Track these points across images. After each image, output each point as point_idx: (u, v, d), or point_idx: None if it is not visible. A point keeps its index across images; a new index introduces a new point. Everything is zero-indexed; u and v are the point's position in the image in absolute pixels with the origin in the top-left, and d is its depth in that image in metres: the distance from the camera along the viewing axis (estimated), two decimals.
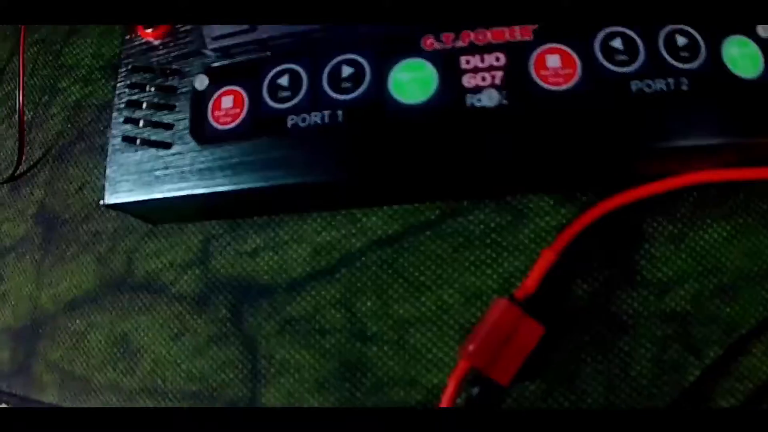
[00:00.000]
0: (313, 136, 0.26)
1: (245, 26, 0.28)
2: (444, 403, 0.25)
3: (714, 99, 0.24)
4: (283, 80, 0.27)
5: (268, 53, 0.28)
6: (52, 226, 0.36)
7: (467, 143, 0.25)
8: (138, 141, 0.29)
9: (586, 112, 0.25)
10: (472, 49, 0.26)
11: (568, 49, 0.26)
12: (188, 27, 0.30)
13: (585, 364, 0.26)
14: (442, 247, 0.29)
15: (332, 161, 0.26)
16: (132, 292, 0.33)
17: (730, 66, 0.25)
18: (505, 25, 0.27)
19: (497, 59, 0.26)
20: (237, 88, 0.28)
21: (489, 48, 0.26)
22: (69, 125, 0.38)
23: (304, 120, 0.27)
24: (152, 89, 0.30)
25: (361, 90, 0.27)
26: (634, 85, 0.25)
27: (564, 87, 0.25)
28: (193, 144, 0.28)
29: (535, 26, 0.26)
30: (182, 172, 0.28)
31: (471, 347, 0.25)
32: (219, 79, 0.28)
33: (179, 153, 0.28)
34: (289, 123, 0.27)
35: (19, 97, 0.36)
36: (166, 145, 0.28)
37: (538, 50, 0.26)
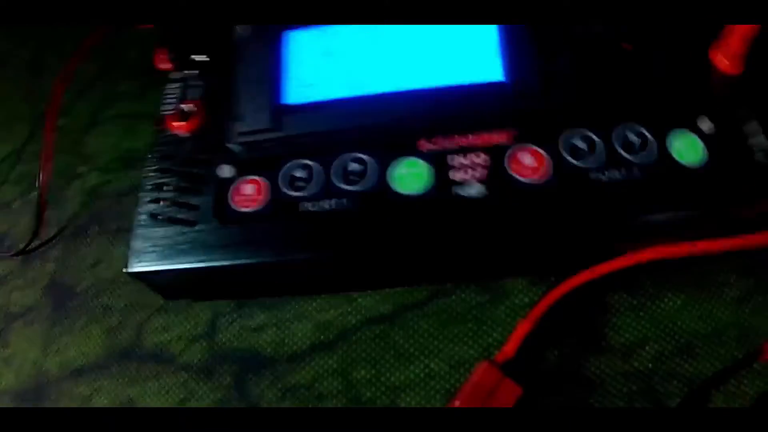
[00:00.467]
0: (323, 219, 0.33)
1: (269, 126, 0.35)
2: None
3: (662, 184, 0.32)
4: (299, 172, 0.35)
5: (287, 150, 0.35)
6: (62, 298, 0.41)
7: (454, 227, 0.32)
8: (163, 218, 0.35)
9: (554, 200, 0.32)
10: (459, 150, 0.34)
11: (539, 149, 0.33)
12: (217, 124, 0.36)
13: None
14: (429, 323, 0.36)
15: (339, 241, 0.33)
16: (139, 361, 0.38)
17: (676, 156, 0.32)
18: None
19: (480, 158, 0.33)
20: (258, 177, 0.35)
21: (473, 149, 0.34)
22: (85, 209, 0.44)
23: (315, 206, 0.33)
24: (179, 175, 0.36)
25: (365, 182, 0.34)
26: (594, 175, 0.32)
27: (536, 179, 0.32)
28: (215, 223, 0.34)
29: (514, 132, 0.34)
30: (204, 247, 0.34)
31: (456, 403, 0.30)
32: (242, 169, 0.35)
33: (202, 230, 0.34)
34: (302, 208, 0.34)
35: (41, 175, 0.42)
36: (191, 223, 0.35)
37: (515, 150, 0.33)
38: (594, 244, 0.34)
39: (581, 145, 0.33)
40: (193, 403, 0.36)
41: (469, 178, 0.33)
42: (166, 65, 0.40)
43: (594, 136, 0.33)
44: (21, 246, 0.43)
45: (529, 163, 0.33)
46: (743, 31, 0.33)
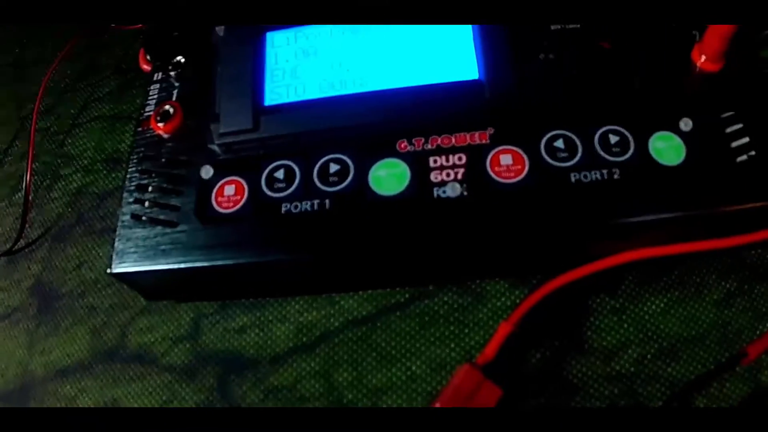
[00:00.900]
0: (304, 220, 0.34)
1: (249, 126, 0.36)
2: None
3: (642, 184, 0.33)
4: (279, 173, 0.35)
5: (267, 151, 0.36)
6: (47, 298, 0.42)
7: (434, 228, 0.33)
8: (146, 219, 0.36)
9: (533, 201, 0.33)
10: (439, 151, 0.35)
11: (518, 150, 0.34)
12: (197, 125, 0.37)
13: None
14: (410, 325, 0.36)
15: (320, 242, 0.34)
16: (123, 362, 0.39)
17: (656, 157, 0.33)
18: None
19: (459, 158, 0.34)
20: (238, 178, 0.36)
21: (453, 150, 0.35)
22: (69, 209, 0.45)
23: (296, 207, 0.34)
24: (161, 176, 0.37)
25: (345, 183, 0.35)
26: (573, 176, 0.33)
27: (515, 180, 0.33)
28: (197, 224, 0.35)
29: (491, 131, 0.35)
30: (186, 247, 0.35)
31: (437, 405, 0.31)
32: (223, 170, 0.36)
33: (184, 231, 0.35)
34: (283, 209, 0.34)
35: (26, 176, 0.43)
36: (173, 224, 0.35)
37: (494, 151, 0.34)
38: (574, 246, 0.34)
39: (560, 145, 0.34)
40: (176, 405, 0.37)
41: (449, 178, 0.34)
42: (146, 66, 0.41)
43: (573, 137, 0.34)
44: (6, 247, 0.44)
45: (508, 164, 0.34)
46: (723, 28, 0.33)
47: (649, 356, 0.34)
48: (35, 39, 0.57)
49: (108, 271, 0.36)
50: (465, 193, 0.33)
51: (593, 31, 0.36)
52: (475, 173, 0.34)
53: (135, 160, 0.38)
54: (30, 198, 0.45)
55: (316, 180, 0.35)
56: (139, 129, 0.39)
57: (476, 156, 0.34)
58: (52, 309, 0.42)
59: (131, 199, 0.37)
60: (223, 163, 0.36)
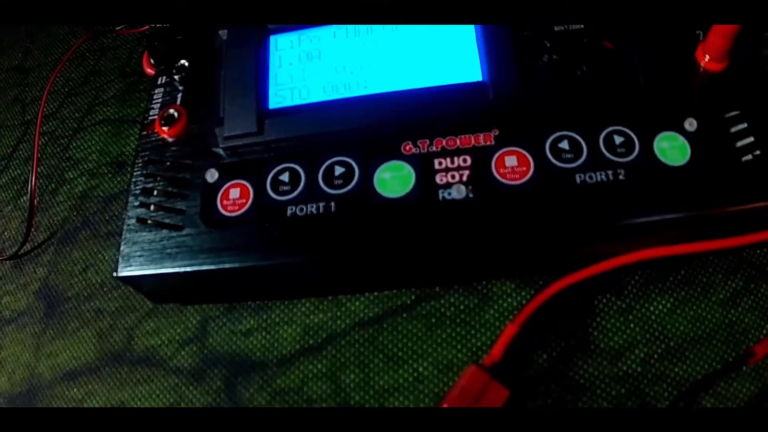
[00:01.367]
0: (309, 223, 0.35)
1: (253, 130, 0.37)
2: None
3: (647, 185, 0.33)
4: (284, 176, 0.36)
5: (272, 154, 0.37)
6: (54, 302, 0.43)
7: (440, 230, 0.34)
8: (151, 223, 0.37)
9: (538, 202, 0.33)
10: (444, 153, 0.35)
11: (523, 151, 0.35)
12: (202, 129, 0.38)
13: None
14: (417, 326, 0.37)
15: (325, 245, 0.34)
16: (130, 365, 0.39)
17: (661, 157, 0.33)
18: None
19: (464, 160, 0.35)
20: (244, 181, 0.36)
21: (458, 152, 0.35)
22: (74, 213, 0.46)
23: (301, 210, 0.35)
24: (166, 179, 0.38)
25: (350, 186, 0.35)
26: (579, 177, 0.33)
27: (520, 182, 0.34)
28: (202, 227, 0.36)
29: (496, 132, 0.35)
30: (192, 251, 0.35)
31: (444, 406, 0.32)
32: (228, 173, 0.37)
33: (189, 235, 0.36)
34: (289, 212, 0.35)
35: (32, 179, 0.44)
36: (178, 228, 0.36)
37: (499, 152, 0.35)
38: (580, 246, 0.35)
39: (565, 146, 0.34)
40: (183, 407, 0.38)
41: (454, 180, 0.34)
42: (150, 70, 0.42)
43: (578, 138, 0.34)
44: (12, 250, 0.45)
45: (513, 165, 0.34)
46: (727, 28, 0.33)
47: (655, 356, 0.34)
48: (39, 43, 0.57)
49: (114, 274, 0.36)
50: (470, 195, 0.34)
51: (597, 32, 0.37)
52: (480, 175, 0.34)
53: (140, 164, 0.39)
54: (35, 202, 0.45)
55: (321, 183, 0.35)
56: (144, 133, 0.40)
57: (481, 158, 0.35)
58: (58, 312, 0.42)
59: (136, 203, 0.38)
60: (228, 166, 0.37)
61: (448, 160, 0.35)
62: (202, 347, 0.39)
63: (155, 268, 0.36)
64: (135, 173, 0.39)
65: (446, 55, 0.38)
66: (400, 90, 0.37)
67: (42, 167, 0.48)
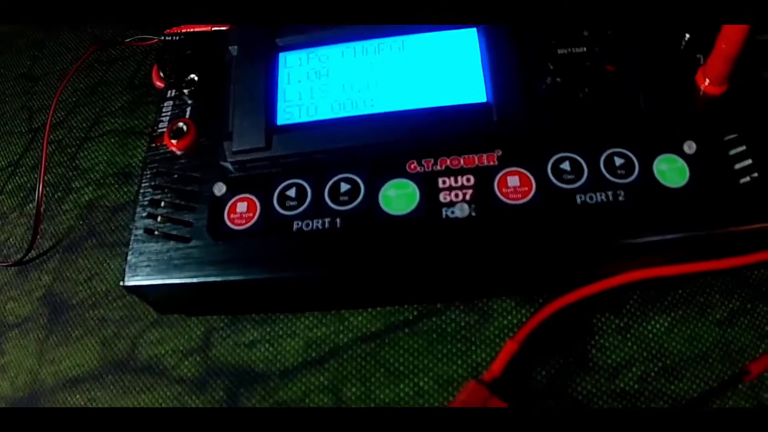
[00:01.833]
0: (314, 238, 0.36)
1: (261, 145, 0.38)
2: None
3: (646, 206, 0.34)
4: (291, 192, 0.37)
5: (279, 169, 0.38)
6: (58, 309, 0.44)
7: (442, 248, 0.35)
8: (158, 234, 0.38)
9: (540, 222, 0.34)
10: (448, 172, 0.36)
11: (526, 171, 0.36)
12: (210, 143, 0.39)
13: None
14: (418, 342, 0.38)
15: (330, 260, 0.35)
16: (133, 374, 0.40)
17: (660, 179, 0.35)
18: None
19: (468, 180, 0.36)
20: (251, 196, 0.37)
21: (461, 171, 0.36)
22: (80, 222, 0.47)
23: (307, 225, 0.36)
24: (174, 192, 0.39)
25: (356, 203, 0.36)
26: (580, 198, 0.34)
27: (522, 201, 0.35)
28: (209, 240, 0.37)
29: (499, 153, 0.36)
30: (198, 262, 0.36)
31: None
32: (236, 187, 0.38)
33: (196, 247, 0.37)
34: (295, 227, 0.36)
35: (39, 187, 0.45)
36: (185, 239, 0.37)
37: (502, 172, 0.36)
38: (580, 266, 0.36)
39: (567, 167, 0.35)
40: None
41: (457, 199, 0.35)
42: (161, 83, 0.43)
43: (579, 159, 0.35)
44: (17, 257, 0.46)
45: (515, 185, 0.35)
46: (727, 51, 0.34)
47: (653, 374, 0.35)
48: (48, 51, 0.58)
49: (121, 283, 0.37)
50: (473, 214, 0.35)
51: (599, 55, 0.38)
52: (483, 194, 0.35)
53: (148, 176, 0.40)
54: (41, 209, 0.46)
55: (327, 199, 0.36)
56: (152, 145, 0.41)
57: (484, 177, 0.36)
58: (62, 319, 0.43)
59: (144, 214, 0.38)
60: (236, 180, 0.38)
61: (452, 179, 0.36)
62: (206, 358, 0.39)
63: (162, 279, 0.36)
64: (143, 184, 0.39)
65: (452, 76, 0.39)
66: (406, 109, 0.38)
67: (49, 176, 0.49)
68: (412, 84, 0.39)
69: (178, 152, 0.40)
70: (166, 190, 0.39)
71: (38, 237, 0.46)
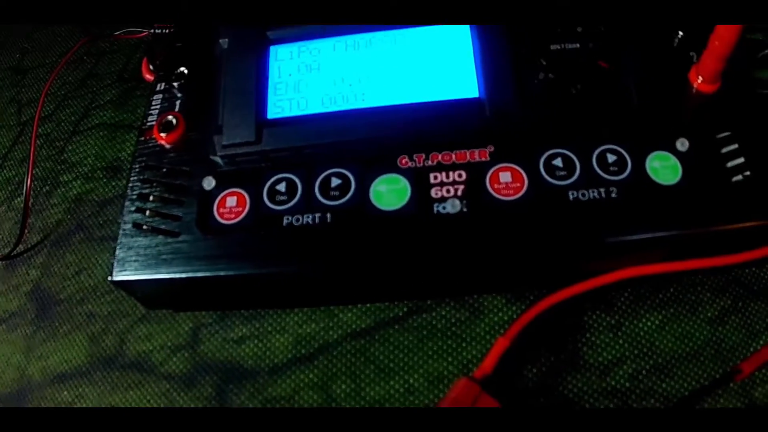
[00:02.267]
0: (304, 233, 0.36)
1: (251, 139, 0.38)
2: None
3: (639, 203, 0.34)
4: (281, 186, 0.37)
5: (269, 164, 0.38)
6: (46, 304, 0.44)
7: (433, 243, 0.35)
8: (147, 228, 0.38)
9: (531, 218, 0.35)
10: (439, 167, 0.36)
11: (518, 167, 0.36)
12: (200, 136, 0.39)
13: None
14: (408, 338, 0.38)
15: (320, 256, 0.35)
16: (121, 370, 0.40)
17: (652, 176, 0.35)
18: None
19: (459, 175, 0.36)
20: (240, 190, 0.37)
21: (453, 166, 0.36)
22: (69, 216, 0.47)
23: (297, 220, 0.36)
24: (163, 186, 0.39)
25: (346, 198, 0.36)
26: (572, 194, 0.35)
27: (514, 197, 0.35)
28: (198, 234, 0.37)
29: (491, 149, 0.36)
30: (187, 257, 0.36)
31: None
32: (225, 181, 0.38)
33: (185, 241, 0.37)
34: (285, 222, 0.36)
35: (27, 181, 0.45)
36: (174, 234, 0.37)
37: (493, 168, 0.36)
38: (571, 262, 0.36)
39: (559, 163, 0.35)
40: None
41: (449, 195, 0.35)
42: (150, 76, 0.43)
43: (571, 155, 0.35)
44: (5, 251, 0.46)
45: (507, 181, 0.35)
46: (720, 49, 0.35)
47: (644, 372, 0.35)
48: (37, 44, 0.58)
49: (109, 278, 0.37)
50: (464, 210, 0.35)
51: (593, 51, 0.38)
52: (474, 190, 0.35)
53: (137, 170, 0.40)
54: (30, 203, 0.46)
55: (317, 193, 0.36)
56: (141, 138, 0.40)
57: (476, 173, 0.36)
58: (50, 315, 0.43)
59: (133, 208, 0.38)
60: (226, 174, 0.38)
61: (444, 174, 0.36)
62: (194, 354, 0.39)
63: (150, 274, 0.36)
64: (132, 178, 0.39)
65: (444, 71, 0.39)
66: (397, 104, 0.38)
67: (37, 169, 0.49)
68: (404, 78, 0.39)
69: (167, 146, 0.40)
70: (154, 184, 0.39)
71: (26, 231, 0.46)
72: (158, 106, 0.41)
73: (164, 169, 0.39)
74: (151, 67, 0.42)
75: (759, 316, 0.36)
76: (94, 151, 0.49)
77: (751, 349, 0.35)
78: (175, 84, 0.41)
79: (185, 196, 0.38)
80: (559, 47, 0.38)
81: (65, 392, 0.40)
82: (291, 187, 0.37)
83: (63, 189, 0.48)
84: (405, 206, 0.35)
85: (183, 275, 0.36)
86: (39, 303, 0.44)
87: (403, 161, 0.36)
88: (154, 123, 0.40)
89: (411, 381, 0.37)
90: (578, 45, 0.38)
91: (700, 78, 0.36)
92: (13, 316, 0.44)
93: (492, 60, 0.38)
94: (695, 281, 0.37)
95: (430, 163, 0.36)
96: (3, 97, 0.55)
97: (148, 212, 0.38)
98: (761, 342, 0.35)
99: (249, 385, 0.38)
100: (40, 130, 0.50)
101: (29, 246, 0.46)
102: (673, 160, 0.35)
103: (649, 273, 0.35)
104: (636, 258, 0.35)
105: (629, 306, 0.37)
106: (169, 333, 0.40)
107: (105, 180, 0.47)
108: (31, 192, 0.47)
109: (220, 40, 0.41)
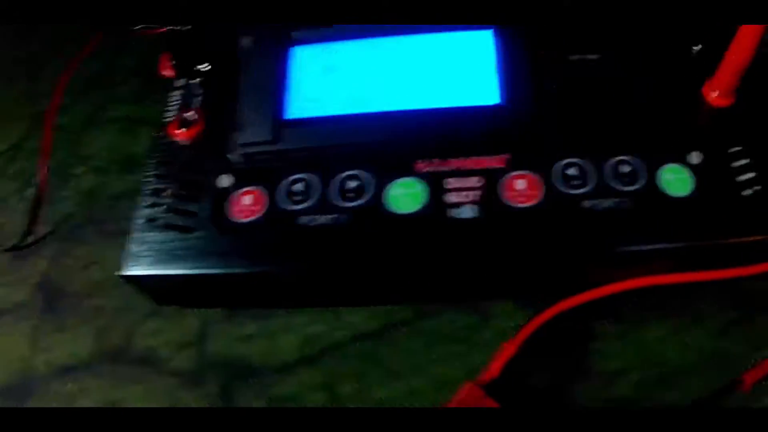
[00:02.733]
0: (319, 234, 0.36)
1: (269, 138, 0.38)
2: None
3: (650, 214, 0.35)
4: (298, 186, 0.38)
5: (286, 163, 0.38)
6: (53, 296, 0.44)
7: (446, 248, 0.35)
8: (161, 223, 0.38)
9: (545, 226, 0.35)
10: (456, 173, 0.37)
11: (533, 175, 0.36)
12: (218, 134, 0.40)
13: None
14: (415, 342, 0.39)
15: (332, 256, 0.36)
16: (128, 364, 0.41)
17: (664, 187, 0.35)
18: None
19: (476, 181, 0.37)
20: (257, 188, 0.38)
21: (470, 172, 0.37)
22: (80, 209, 0.47)
23: (313, 220, 0.37)
24: (179, 182, 0.39)
25: (362, 200, 0.37)
26: (585, 203, 0.35)
27: (528, 205, 0.36)
28: (213, 231, 0.37)
29: (508, 156, 0.37)
30: (201, 254, 0.37)
31: None
32: (242, 180, 0.38)
33: (199, 238, 0.37)
34: (300, 222, 0.37)
35: (41, 172, 0.45)
36: (188, 230, 0.38)
37: (509, 175, 0.37)
38: (582, 271, 0.37)
39: (574, 173, 0.36)
40: None
41: (464, 200, 0.36)
42: (169, 72, 0.43)
43: (586, 165, 0.36)
44: (13, 242, 0.46)
45: (522, 189, 0.36)
46: (734, 64, 0.36)
47: (649, 381, 0.36)
48: (53, 36, 0.59)
49: (119, 273, 0.37)
50: (479, 216, 0.35)
51: (611, 63, 0.39)
52: (490, 196, 0.36)
53: (153, 164, 0.40)
54: (42, 194, 0.46)
55: (333, 194, 0.37)
56: (159, 134, 0.41)
57: (492, 180, 0.36)
58: (57, 307, 0.43)
59: (147, 203, 0.39)
60: (242, 172, 0.39)
61: (460, 180, 0.37)
62: (201, 351, 0.40)
63: (162, 269, 0.37)
64: (147, 173, 0.40)
65: (465, 78, 0.39)
66: (416, 108, 0.39)
67: (50, 160, 0.48)
68: (424, 83, 0.40)
69: (185, 142, 0.40)
70: (170, 180, 0.39)
71: (37, 223, 0.46)
72: (178, 102, 0.42)
73: (181, 165, 0.40)
74: (171, 62, 0.43)
75: (763, 329, 0.37)
76: (108, 145, 0.49)
77: (754, 362, 0.35)
78: (196, 80, 0.42)
79: (201, 192, 0.38)
80: (578, 57, 0.39)
81: (70, 385, 0.40)
82: (307, 187, 0.37)
83: (75, 182, 0.48)
84: (420, 210, 0.36)
85: (195, 272, 0.36)
86: (47, 295, 0.44)
87: (420, 165, 0.37)
88: (172, 119, 0.41)
89: (417, 384, 0.37)
90: (597, 56, 0.39)
91: (715, 92, 0.37)
92: (20, 307, 0.44)
93: (513, 68, 0.39)
94: (702, 293, 0.38)
95: (446, 168, 0.37)
96: (18, 89, 0.56)
97: (162, 207, 0.38)
98: (764, 354, 0.36)
99: (255, 383, 0.38)
100: (55, 121, 0.50)
101: (39, 237, 0.46)
102: (685, 173, 0.36)
103: (657, 283, 0.35)
104: (645, 268, 0.35)
105: (636, 315, 0.38)
106: (177, 329, 0.41)
107: (118, 174, 0.48)
108: (45, 184, 0.47)
109: (243, 38, 0.42)
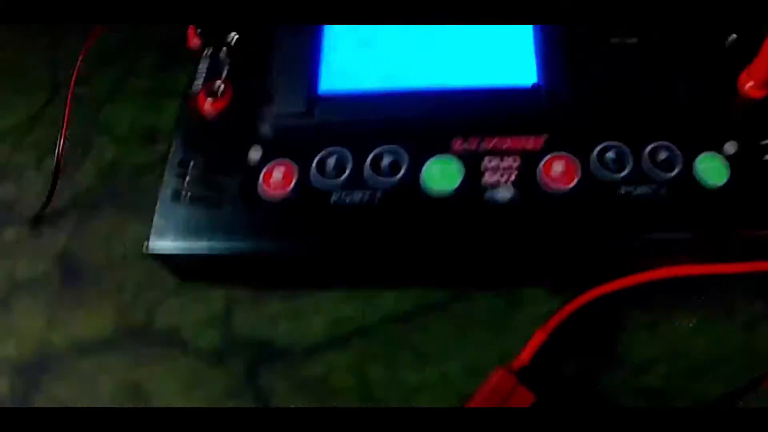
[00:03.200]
0: (351, 211, 0.35)
1: (303, 110, 0.37)
2: None
3: (684, 202, 0.34)
4: (331, 161, 0.37)
5: (320, 137, 0.37)
6: (72, 270, 0.43)
7: (481, 229, 0.35)
8: (188, 197, 0.37)
9: (580, 210, 0.35)
10: (493, 152, 0.36)
11: (571, 157, 0.36)
12: (248, 105, 0.39)
13: None
14: (447, 326, 0.38)
15: (364, 234, 0.35)
16: (149, 343, 0.40)
17: (700, 175, 0.35)
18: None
19: (513, 162, 0.36)
20: (288, 163, 0.37)
21: (507, 152, 0.36)
22: (101, 182, 0.46)
23: (346, 196, 0.36)
24: (207, 154, 0.38)
25: (398, 177, 0.36)
26: (622, 189, 0.35)
27: (565, 188, 0.35)
28: (241, 206, 0.36)
29: (546, 137, 0.36)
30: (228, 229, 0.36)
31: (471, 406, 0.32)
32: (273, 153, 0.37)
33: (228, 213, 0.36)
34: (332, 198, 0.36)
35: (60, 144, 0.44)
36: (216, 205, 0.37)
37: (547, 157, 0.36)
38: (615, 258, 0.36)
39: (612, 157, 0.35)
40: (201, 390, 0.38)
41: (500, 181, 0.35)
42: (196, 42, 0.42)
43: (625, 150, 0.36)
44: (32, 214, 0.45)
45: (559, 171, 0.35)
46: None
47: (677, 373, 0.35)
48: None
49: (144, 248, 0.37)
50: (515, 197, 0.35)
51: (650, 48, 0.38)
52: (526, 178, 0.35)
53: (180, 136, 0.39)
54: (61, 165, 0.45)
55: (368, 170, 0.36)
56: (186, 105, 0.40)
57: (529, 161, 0.36)
58: (76, 282, 0.43)
59: (173, 176, 0.38)
60: (273, 146, 0.38)
61: (497, 159, 0.36)
62: (227, 330, 0.39)
63: (188, 245, 0.36)
64: (174, 146, 0.39)
65: (503, 56, 0.39)
66: (454, 86, 0.38)
67: (70, 130, 0.47)
68: (461, 61, 0.39)
69: (214, 113, 0.39)
70: (198, 153, 0.38)
71: (55, 195, 0.45)
72: (205, 73, 0.41)
73: (209, 138, 0.39)
74: (198, 31, 0.42)
75: None
76: (130, 117, 0.48)
77: None
78: (224, 50, 0.41)
79: (230, 166, 0.38)
80: (617, 41, 0.39)
81: (87, 364, 0.39)
82: (341, 162, 0.37)
83: (96, 152, 0.47)
84: (456, 189, 0.35)
85: (223, 247, 0.36)
86: (65, 270, 0.43)
87: (457, 144, 0.36)
88: (200, 89, 0.40)
89: (447, 369, 0.36)
90: (637, 40, 0.38)
91: (751, 83, 0.37)
92: (37, 281, 0.43)
93: (552, 48, 0.38)
94: (733, 285, 0.37)
95: (484, 147, 0.36)
96: (39, 58, 0.54)
97: (189, 181, 0.38)
98: None
99: (281, 364, 0.38)
100: (75, 91, 0.49)
101: (58, 210, 0.45)
102: (722, 163, 0.35)
103: (690, 273, 0.35)
104: (678, 258, 0.35)
105: (666, 306, 0.37)
106: (202, 307, 0.40)
107: (140, 147, 0.47)
108: (63, 154, 0.46)
109: None
